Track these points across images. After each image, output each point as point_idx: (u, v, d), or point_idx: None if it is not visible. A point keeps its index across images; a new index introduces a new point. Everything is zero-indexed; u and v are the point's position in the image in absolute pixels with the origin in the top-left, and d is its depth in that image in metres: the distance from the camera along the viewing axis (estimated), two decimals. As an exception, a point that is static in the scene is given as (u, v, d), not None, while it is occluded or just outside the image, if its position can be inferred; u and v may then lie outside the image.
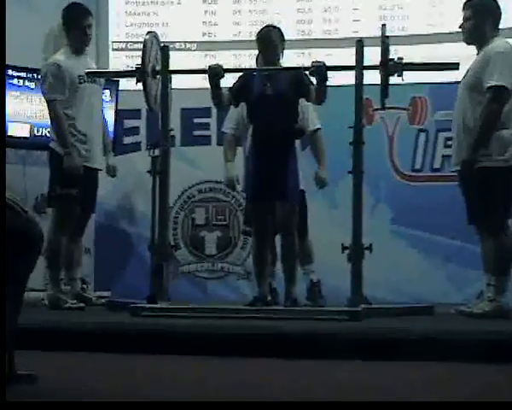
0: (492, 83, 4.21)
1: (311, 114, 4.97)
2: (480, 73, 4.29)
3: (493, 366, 3.18)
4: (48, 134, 5.20)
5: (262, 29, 4.65)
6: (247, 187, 4.73)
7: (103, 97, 5.40)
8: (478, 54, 4.41)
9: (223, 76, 4.49)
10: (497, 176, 4.27)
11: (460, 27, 4.49)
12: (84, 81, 4.84)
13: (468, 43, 4.49)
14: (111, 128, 5.70)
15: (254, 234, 4.64)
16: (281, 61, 4.62)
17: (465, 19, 4.46)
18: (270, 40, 4.55)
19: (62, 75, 4.77)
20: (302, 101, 4.66)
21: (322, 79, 4.38)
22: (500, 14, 4.45)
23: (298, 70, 4.62)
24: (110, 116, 5.74)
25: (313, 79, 4.46)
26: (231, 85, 4.59)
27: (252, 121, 4.62)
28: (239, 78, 4.63)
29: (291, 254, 4.53)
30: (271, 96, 4.48)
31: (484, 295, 4.43)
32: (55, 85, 4.76)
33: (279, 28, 4.64)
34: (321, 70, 4.39)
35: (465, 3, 4.49)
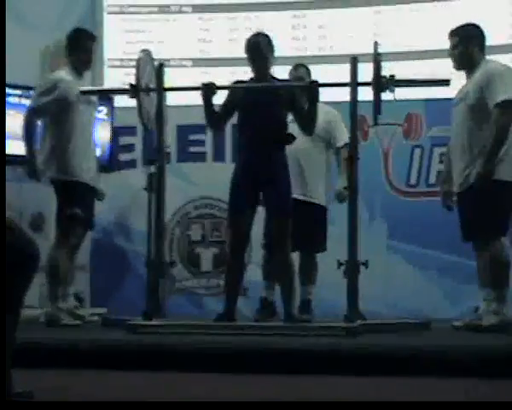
0: (499, 98, 4.33)
1: (339, 128, 4.93)
2: (484, 93, 4.39)
3: (492, 381, 3.19)
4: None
5: (251, 37, 4.55)
6: (230, 195, 4.49)
7: (99, 115, 5.41)
8: (468, 78, 4.53)
9: (215, 93, 4.49)
10: (502, 189, 4.36)
11: (449, 55, 4.61)
12: (82, 102, 4.86)
13: (458, 69, 4.61)
14: (107, 145, 5.73)
15: (231, 247, 4.46)
16: (272, 69, 4.54)
17: (452, 47, 4.59)
18: (259, 49, 4.45)
19: (55, 92, 4.78)
20: (334, 116, 4.68)
21: (314, 97, 4.38)
22: (484, 38, 4.58)
23: (292, 87, 4.60)
24: (105, 133, 5.76)
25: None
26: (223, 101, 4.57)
27: (241, 125, 4.51)
28: (229, 90, 4.61)
29: (287, 272, 4.43)
30: (261, 100, 4.42)
31: (480, 310, 4.47)
32: (41, 98, 4.79)
33: (267, 35, 4.55)
34: (313, 88, 4.40)
35: (450, 32, 4.61)
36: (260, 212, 4.53)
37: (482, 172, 4.33)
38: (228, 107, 4.54)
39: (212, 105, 4.50)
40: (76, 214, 4.72)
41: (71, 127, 4.81)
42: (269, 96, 4.46)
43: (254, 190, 4.42)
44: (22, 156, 5.46)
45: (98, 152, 5.56)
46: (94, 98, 5.05)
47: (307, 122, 4.48)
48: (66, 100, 4.80)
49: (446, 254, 5.76)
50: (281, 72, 5.05)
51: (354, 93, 4.41)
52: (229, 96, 4.58)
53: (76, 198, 4.74)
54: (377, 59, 4.35)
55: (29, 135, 4.82)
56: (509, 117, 4.36)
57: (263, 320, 4.81)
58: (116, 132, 5.96)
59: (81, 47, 4.96)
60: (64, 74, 4.89)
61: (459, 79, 4.59)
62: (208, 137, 6.13)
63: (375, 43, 4.37)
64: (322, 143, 5.00)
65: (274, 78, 4.57)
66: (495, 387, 3.13)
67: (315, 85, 4.41)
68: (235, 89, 4.57)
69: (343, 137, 4.97)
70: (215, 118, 4.55)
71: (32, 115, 4.82)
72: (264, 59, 4.46)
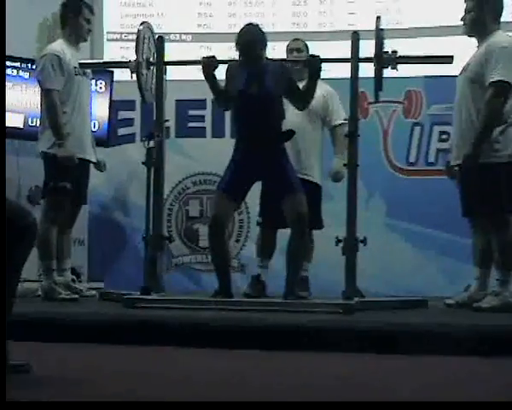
0: (495, 78, 4.17)
1: (336, 106, 4.88)
2: (483, 67, 4.24)
3: (488, 359, 3.20)
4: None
5: (241, 32, 4.33)
6: (223, 178, 4.45)
7: (98, 89, 5.38)
8: (478, 46, 4.37)
9: (216, 67, 4.44)
10: (501, 171, 4.23)
11: (461, 19, 4.45)
12: (78, 74, 4.83)
13: (469, 36, 4.44)
14: (105, 119, 5.71)
15: (209, 227, 4.42)
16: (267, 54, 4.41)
17: (466, 11, 4.41)
18: (251, 49, 4.28)
19: (61, 66, 4.74)
20: (332, 94, 4.62)
21: (316, 72, 4.35)
22: (502, 7, 4.41)
23: (285, 68, 4.48)
24: (104, 107, 5.73)
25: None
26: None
27: (235, 122, 4.46)
28: (226, 77, 4.46)
29: (301, 249, 4.43)
30: (256, 95, 4.31)
31: (471, 288, 4.47)
32: (54, 75, 4.72)
33: (259, 29, 4.34)
34: (315, 63, 4.37)
35: None
36: (255, 190, 4.53)
37: (468, 156, 4.21)
38: (227, 93, 4.45)
39: (214, 79, 4.41)
40: (62, 187, 4.68)
41: (67, 100, 4.77)
42: (264, 86, 4.33)
43: (247, 183, 4.41)
44: (20, 129, 5.46)
45: (96, 126, 5.56)
46: (88, 71, 5.00)
47: (304, 98, 4.40)
48: (70, 74, 4.77)
49: (445, 232, 5.75)
50: (281, 47, 5.03)
51: (355, 69, 4.37)
52: (226, 84, 4.45)
53: (64, 172, 4.70)
54: (379, 34, 4.30)
55: (61, 119, 4.71)
56: (501, 100, 4.17)
57: (252, 296, 4.79)
58: (115, 106, 5.92)
59: (77, 17, 4.85)
60: (61, 47, 4.82)
61: (463, 56, 4.50)
62: (207, 112, 6.10)
63: (378, 18, 4.33)
64: (319, 121, 4.97)
65: (268, 59, 4.43)
66: (492, 365, 3.14)
67: (317, 60, 4.37)
68: (231, 77, 4.42)
69: (340, 115, 4.94)
70: (222, 95, 4.45)
71: (54, 96, 4.69)
72: (258, 57, 4.33)
